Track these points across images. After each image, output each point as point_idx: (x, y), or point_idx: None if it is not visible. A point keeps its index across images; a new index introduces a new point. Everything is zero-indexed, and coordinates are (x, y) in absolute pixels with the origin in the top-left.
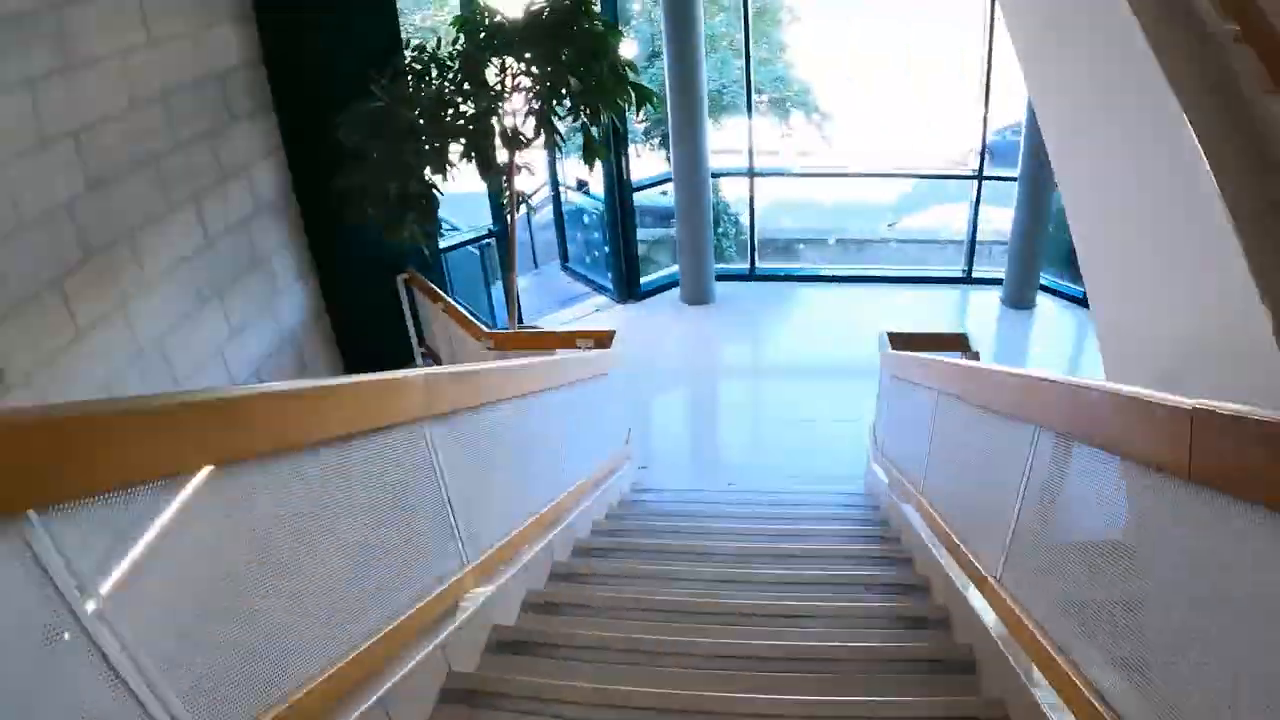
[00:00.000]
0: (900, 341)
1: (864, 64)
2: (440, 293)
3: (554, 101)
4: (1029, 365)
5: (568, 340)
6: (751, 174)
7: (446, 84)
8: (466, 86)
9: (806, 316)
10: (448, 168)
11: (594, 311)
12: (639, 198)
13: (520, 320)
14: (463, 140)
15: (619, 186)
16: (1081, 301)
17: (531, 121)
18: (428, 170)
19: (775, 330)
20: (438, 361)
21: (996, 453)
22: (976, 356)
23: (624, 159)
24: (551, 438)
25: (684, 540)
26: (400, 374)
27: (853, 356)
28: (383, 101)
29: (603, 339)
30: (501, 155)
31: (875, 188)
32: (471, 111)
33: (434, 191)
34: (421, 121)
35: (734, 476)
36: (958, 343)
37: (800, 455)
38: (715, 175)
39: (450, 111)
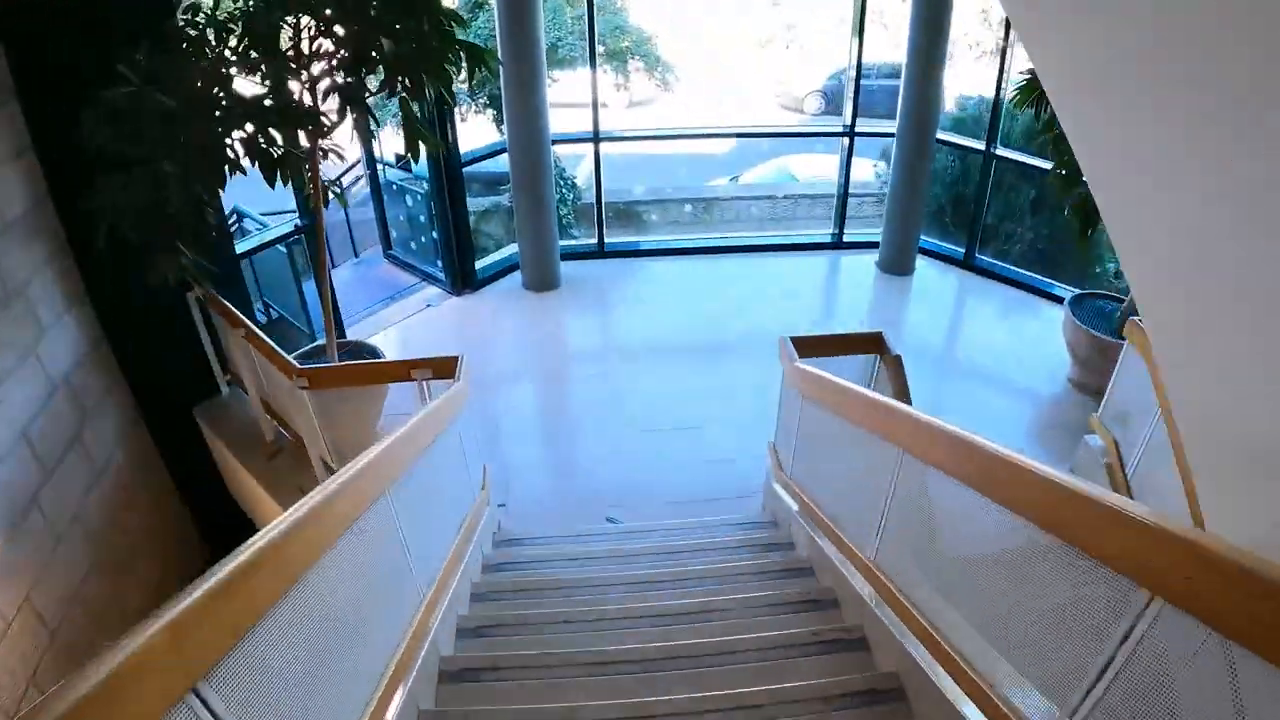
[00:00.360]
0: (807, 346)
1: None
2: (240, 316)
3: (363, 71)
4: (906, 334)
5: (399, 372)
6: (597, 139)
7: (228, 55)
8: (253, 56)
9: (668, 297)
10: (226, 172)
11: (425, 308)
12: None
13: (340, 331)
14: (244, 132)
15: (445, 161)
16: (961, 263)
17: (336, 100)
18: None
19: (635, 316)
20: (244, 390)
21: (1064, 595)
22: (898, 360)
23: (450, 128)
24: (398, 549)
25: (575, 639)
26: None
27: (727, 341)
28: (134, 85)
29: (444, 368)
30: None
31: (713, 140)
32: (257, 91)
33: (207, 207)
34: (198, 105)
35: (608, 503)
36: (873, 343)
37: (682, 470)
38: (556, 142)
39: (225, 93)
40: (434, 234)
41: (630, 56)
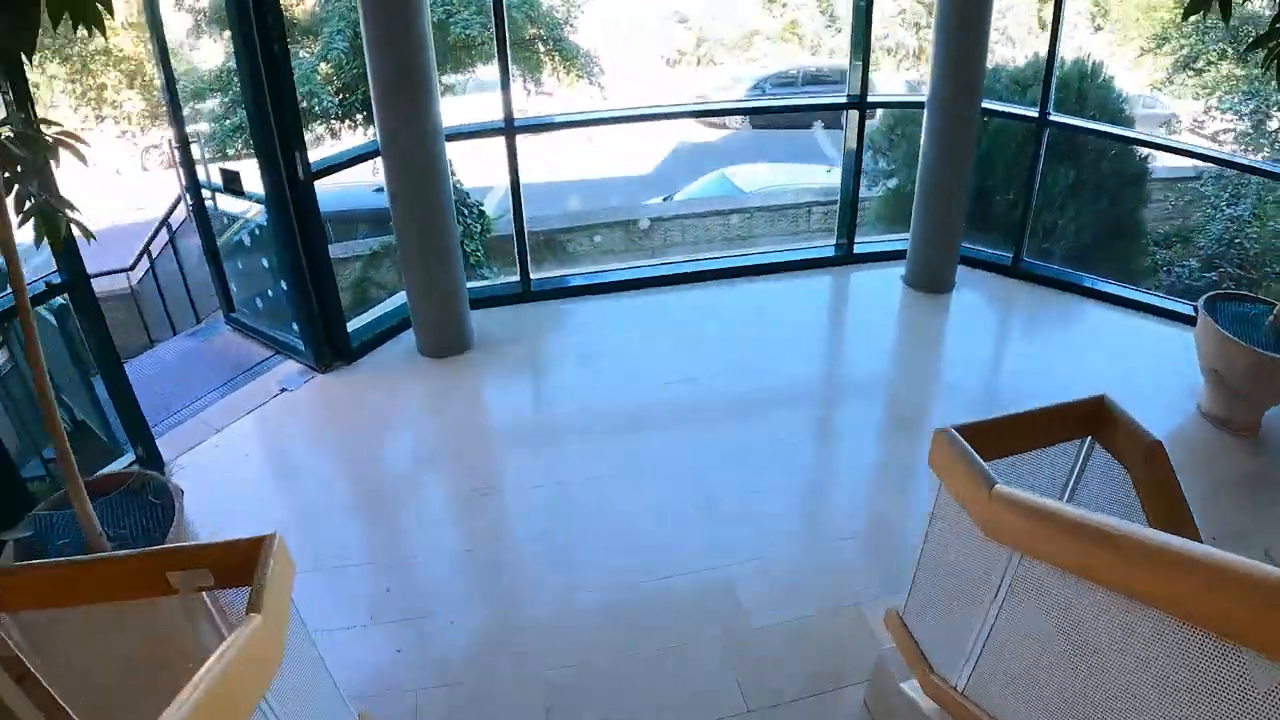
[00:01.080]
0: (991, 439)
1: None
2: None
3: None
4: (961, 371)
5: (142, 579)
6: (511, 128)
7: None
8: None
9: (626, 348)
10: None
11: (278, 393)
12: (335, 195)
13: (146, 442)
14: None
15: (290, 180)
16: (1008, 269)
17: None
18: None
19: (584, 382)
20: None
21: None
22: (1158, 452)
23: (294, 138)
24: None
25: None
26: None
27: (722, 408)
28: None
29: (236, 564)
30: None
31: (633, 162)
32: None
33: None
34: None
35: None
36: (1087, 418)
37: (706, 653)
38: (452, 137)
39: None
40: (285, 286)
41: (543, 45)
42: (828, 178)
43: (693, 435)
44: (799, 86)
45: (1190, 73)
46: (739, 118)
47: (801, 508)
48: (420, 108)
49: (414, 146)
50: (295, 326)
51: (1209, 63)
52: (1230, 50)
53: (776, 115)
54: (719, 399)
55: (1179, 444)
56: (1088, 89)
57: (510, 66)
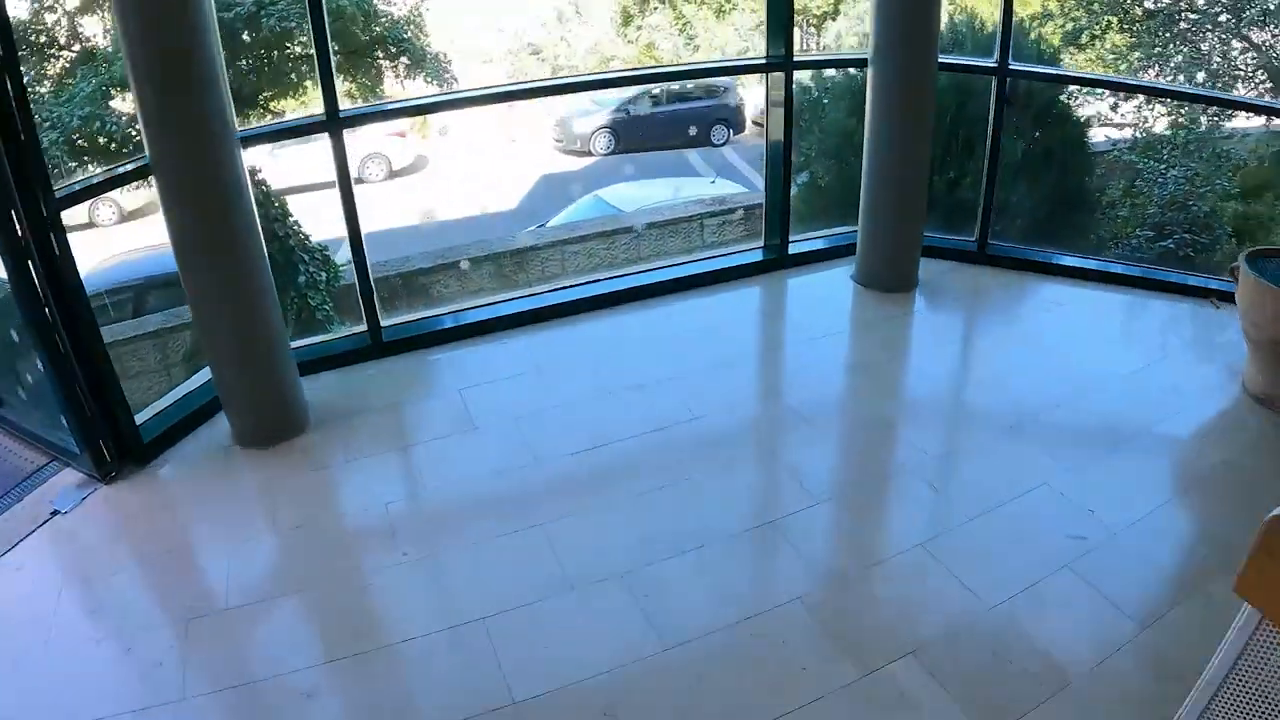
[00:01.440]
0: None
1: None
2: None
3: None
4: (936, 391)
5: None
6: (337, 121)
7: None
8: None
9: (523, 412)
10: None
11: (50, 517)
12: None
13: None
14: None
15: (30, 218)
16: (974, 256)
17: None
18: None
19: (472, 469)
20: None
21: None
22: None
23: (29, 158)
24: None
25: None
26: None
27: (660, 480)
28: None
29: None
30: None
31: (496, 198)
32: None
33: None
34: None
35: None
36: None
37: None
38: (250, 139)
39: None
40: (40, 368)
41: (383, 51)
42: (712, 189)
43: (623, 527)
44: (665, 105)
45: (1075, 49)
46: (605, 143)
47: (811, 619)
48: (202, 102)
49: (195, 156)
50: (67, 421)
51: (1092, 36)
52: (1116, 21)
53: (639, 138)
54: (647, 465)
55: (1235, 436)
56: (1022, 46)
57: (330, 43)
